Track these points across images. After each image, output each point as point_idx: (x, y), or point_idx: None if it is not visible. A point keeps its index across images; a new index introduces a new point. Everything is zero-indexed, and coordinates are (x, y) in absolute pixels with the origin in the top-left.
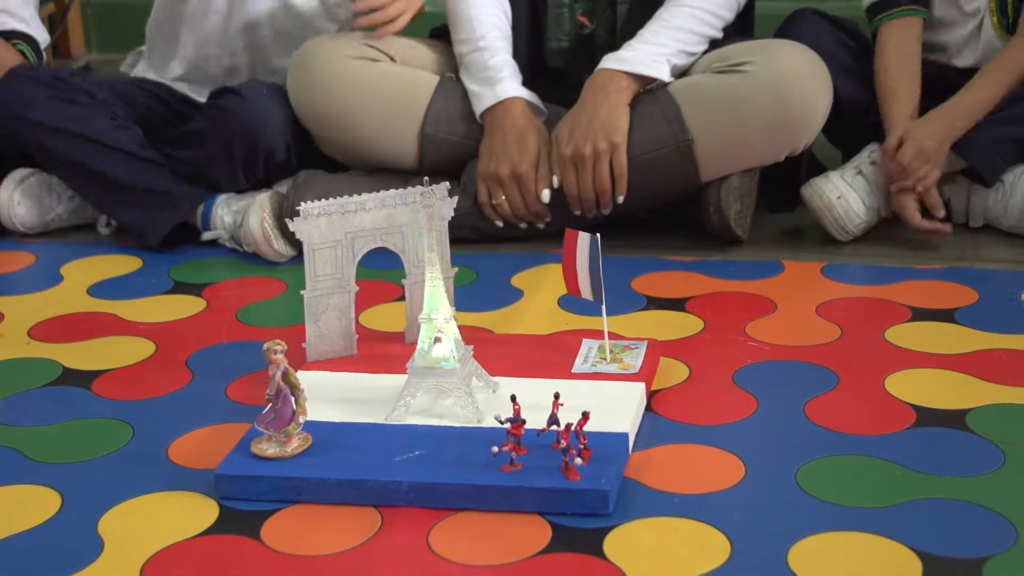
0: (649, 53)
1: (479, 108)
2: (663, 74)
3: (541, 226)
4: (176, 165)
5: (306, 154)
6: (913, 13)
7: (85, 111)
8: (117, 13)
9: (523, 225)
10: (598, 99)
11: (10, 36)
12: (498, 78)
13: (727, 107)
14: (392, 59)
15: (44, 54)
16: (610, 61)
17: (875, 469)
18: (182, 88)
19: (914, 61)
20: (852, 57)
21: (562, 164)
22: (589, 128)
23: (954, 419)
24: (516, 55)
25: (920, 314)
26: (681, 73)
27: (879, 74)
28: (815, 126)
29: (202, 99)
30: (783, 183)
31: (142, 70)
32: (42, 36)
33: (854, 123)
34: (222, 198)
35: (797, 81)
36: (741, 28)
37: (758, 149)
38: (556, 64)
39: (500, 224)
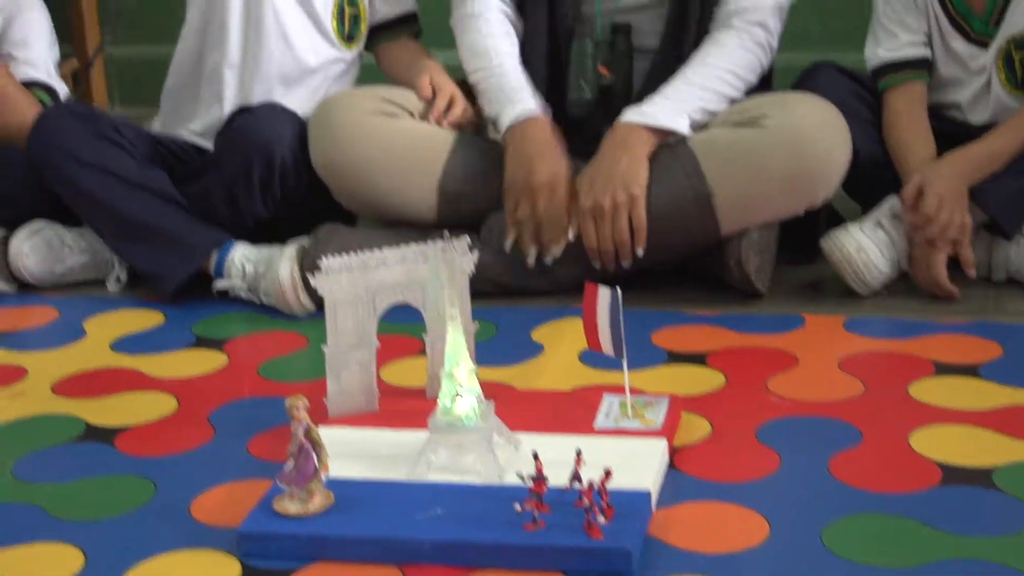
0: (670, 108)
1: (503, 125)
2: (683, 128)
3: (549, 260)
4: (194, 199)
5: (319, 185)
6: (915, 78)
7: (114, 148)
8: (140, 69)
9: (548, 259)
10: (618, 152)
11: (31, 86)
12: (519, 98)
13: (746, 160)
14: (411, 114)
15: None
16: (631, 114)
17: (901, 528)
18: (199, 141)
19: (922, 120)
20: (870, 110)
21: (582, 216)
22: (609, 180)
23: (980, 477)
24: None
25: (944, 369)
26: (700, 128)
27: (889, 134)
28: (834, 179)
29: None
30: (803, 235)
31: (157, 128)
32: (62, 88)
33: (873, 176)
34: (239, 246)
35: (815, 134)
36: (761, 82)
37: (777, 202)
38: (577, 114)
39: (530, 260)
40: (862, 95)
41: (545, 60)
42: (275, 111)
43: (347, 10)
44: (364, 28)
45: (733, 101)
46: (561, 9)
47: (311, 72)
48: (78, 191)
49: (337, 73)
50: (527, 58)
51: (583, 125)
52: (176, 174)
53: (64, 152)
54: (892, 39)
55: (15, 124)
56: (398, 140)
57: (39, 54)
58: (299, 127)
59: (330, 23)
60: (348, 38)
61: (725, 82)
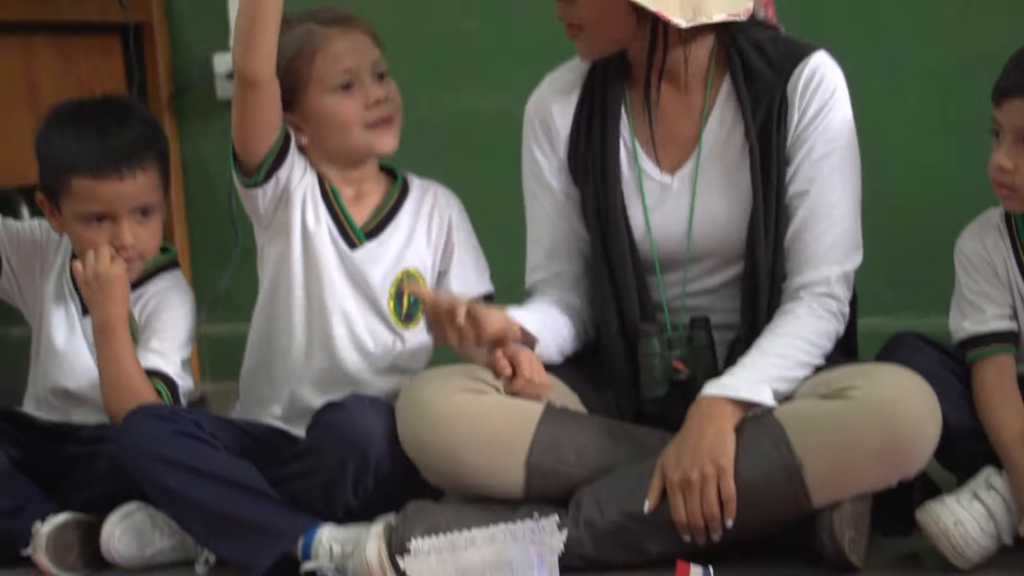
0: (750, 378)
1: None
2: (766, 398)
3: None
4: (283, 487)
5: (407, 464)
6: (1003, 351)
7: (198, 444)
8: (230, 345)
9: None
10: (703, 425)
11: (152, 375)
12: None
13: (835, 433)
14: (498, 390)
15: (183, 400)
16: (712, 387)
17: None
18: (283, 426)
19: (1013, 392)
20: (958, 380)
21: (671, 490)
22: (696, 454)
23: None
24: (614, 408)
25: None
26: (784, 399)
27: (981, 409)
28: (925, 452)
29: (300, 433)
30: (897, 506)
31: (238, 412)
32: (185, 384)
33: (966, 446)
34: (326, 528)
35: (904, 406)
36: (844, 348)
37: (869, 474)
38: (652, 411)
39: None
40: (950, 366)
41: (623, 360)
42: (364, 404)
43: (406, 290)
44: None
45: (811, 368)
46: (628, 303)
47: (370, 354)
48: (164, 490)
49: (402, 351)
50: (607, 350)
51: (664, 418)
52: (264, 460)
53: (148, 454)
54: (978, 312)
55: (120, 410)
56: (485, 417)
57: (171, 348)
58: (389, 417)
59: (385, 303)
60: (406, 318)
61: (800, 349)
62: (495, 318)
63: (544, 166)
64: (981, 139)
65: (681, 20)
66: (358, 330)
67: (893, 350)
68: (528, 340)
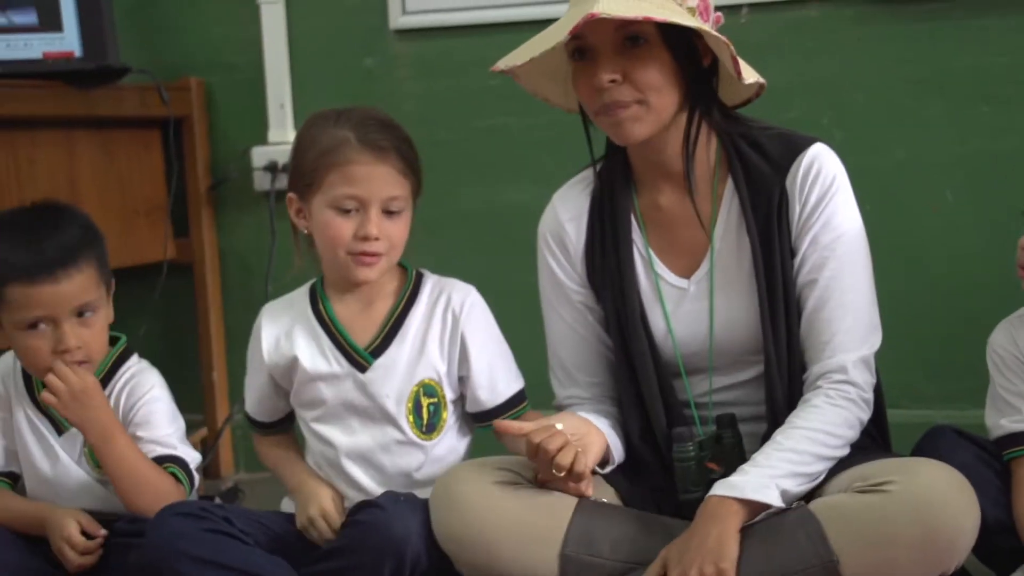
0: (758, 477)
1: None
2: (772, 499)
3: None
4: None
5: (443, 559)
6: None
7: (228, 541)
8: None
9: None
10: (708, 525)
11: (162, 461)
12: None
13: (871, 527)
14: (530, 482)
15: (196, 474)
16: (721, 487)
17: None
18: None
19: None
20: (996, 475)
21: None
22: (697, 553)
23: None
24: (650, 503)
25: None
26: (810, 493)
27: (1017, 506)
28: (963, 547)
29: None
30: None
31: (286, 505)
32: (191, 456)
33: (1004, 542)
34: None
35: (941, 501)
36: (877, 437)
37: (906, 569)
38: (690, 508)
39: None
40: (987, 461)
41: (658, 467)
42: (400, 504)
43: (424, 402)
44: (447, 416)
45: (831, 460)
46: (653, 408)
47: (392, 478)
48: None
49: (425, 463)
50: (636, 454)
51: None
52: (297, 555)
53: (179, 552)
54: (1014, 411)
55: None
56: (519, 510)
57: (162, 432)
58: (425, 514)
59: (405, 420)
60: (428, 429)
61: (817, 442)
62: (589, 462)
63: (564, 280)
64: (1016, 232)
65: (747, 77)
66: (376, 461)
67: (930, 443)
68: (604, 462)
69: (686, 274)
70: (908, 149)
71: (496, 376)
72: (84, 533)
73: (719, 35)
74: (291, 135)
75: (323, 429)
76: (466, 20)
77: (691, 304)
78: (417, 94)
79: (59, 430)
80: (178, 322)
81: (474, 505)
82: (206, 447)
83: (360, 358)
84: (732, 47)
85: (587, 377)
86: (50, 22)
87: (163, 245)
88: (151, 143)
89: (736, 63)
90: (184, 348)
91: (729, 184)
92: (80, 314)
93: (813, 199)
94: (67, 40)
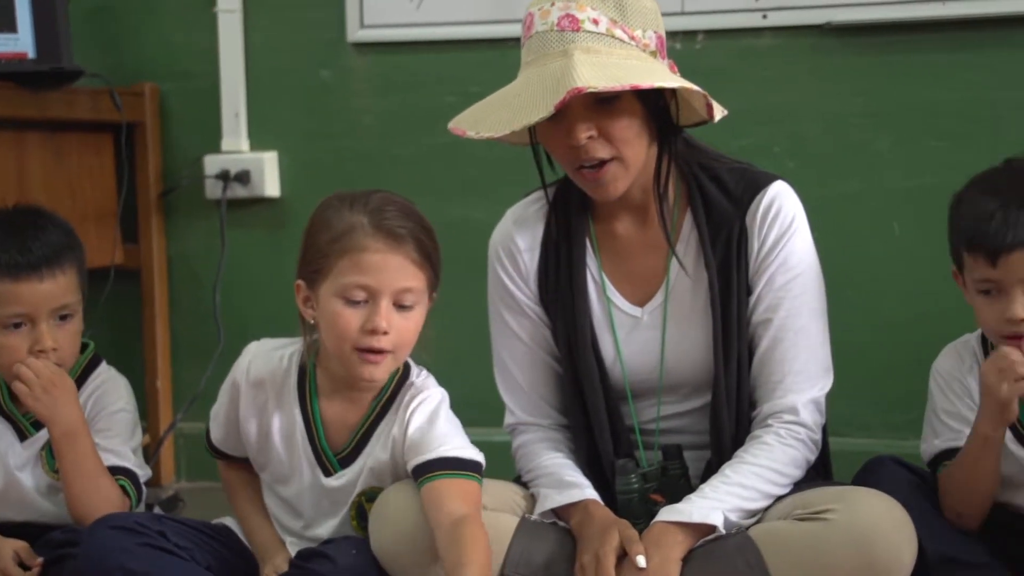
0: (705, 505)
1: (559, 503)
2: (717, 521)
3: None
4: None
5: None
6: None
7: (163, 555)
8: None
9: None
10: (650, 552)
11: (114, 472)
12: (579, 484)
13: (810, 555)
14: None
15: (143, 488)
16: (665, 513)
17: None
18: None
19: None
20: (933, 506)
21: None
22: None
23: None
24: None
25: None
26: (758, 518)
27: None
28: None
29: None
30: None
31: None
32: (142, 471)
33: (942, 574)
34: None
35: (880, 532)
36: (819, 467)
37: None
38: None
39: None
40: (926, 492)
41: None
42: (350, 556)
43: (367, 506)
44: None
45: (775, 498)
46: (601, 435)
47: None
48: None
49: None
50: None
51: None
52: (233, 567)
53: (113, 566)
54: (950, 431)
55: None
56: None
57: (121, 442)
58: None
59: (348, 518)
60: (364, 527)
61: (765, 479)
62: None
63: (516, 293)
64: None
65: (717, 115)
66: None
67: (871, 473)
68: None
69: (640, 302)
70: (859, 181)
71: (435, 436)
72: (21, 564)
73: (696, 87)
74: (245, 144)
75: (274, 485)
76: (424, 36)
77: (643, 333)
78: (373, 108)
79: (22, 436)
80: (124, 328)
81: (412, 524)
82: (148, 455)
83: (329, 463)
84: (708, 96)
85: (538, 397)
86: (4, 23)
87: (111, 250)
88: (103, 148)
89: (710, 109)
90: (129, 354)
91: (688, 217)
92: (59, 317)
93: (772, 238)
94: (21, 41)
